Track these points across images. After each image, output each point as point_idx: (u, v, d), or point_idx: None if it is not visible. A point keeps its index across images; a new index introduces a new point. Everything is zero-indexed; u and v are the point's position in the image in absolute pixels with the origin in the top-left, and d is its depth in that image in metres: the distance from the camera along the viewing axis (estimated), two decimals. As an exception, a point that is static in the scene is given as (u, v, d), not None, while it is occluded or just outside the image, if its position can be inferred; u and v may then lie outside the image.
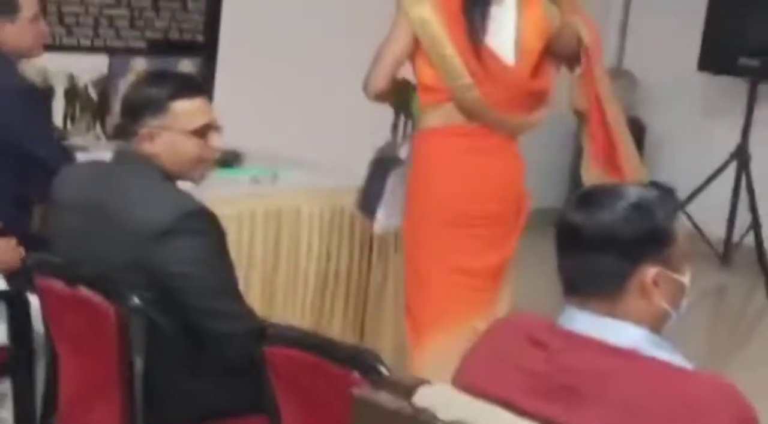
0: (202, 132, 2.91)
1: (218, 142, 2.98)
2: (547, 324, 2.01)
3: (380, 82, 3.77)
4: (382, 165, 3.99)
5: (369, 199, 3.99)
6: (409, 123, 4.00)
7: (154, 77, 3.04)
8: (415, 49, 3.75)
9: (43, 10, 4.18)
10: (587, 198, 1.97)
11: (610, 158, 3.87)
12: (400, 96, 3.89)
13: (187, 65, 5.61)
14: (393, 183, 3.94)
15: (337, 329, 4.19)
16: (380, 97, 3.85)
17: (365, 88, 3.81)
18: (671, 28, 7.18)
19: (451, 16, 3.71)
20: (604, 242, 1.92)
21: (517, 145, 3.89)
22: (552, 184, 7.32)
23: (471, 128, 3.76)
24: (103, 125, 5.18)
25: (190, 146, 2.90)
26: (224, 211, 2.91)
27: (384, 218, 3.96)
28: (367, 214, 4.03)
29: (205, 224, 2.80)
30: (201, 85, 3.01)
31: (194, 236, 2.76)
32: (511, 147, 3.86)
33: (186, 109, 2.87)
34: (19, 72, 3.83)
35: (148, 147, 2.86)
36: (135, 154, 2.88)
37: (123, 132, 2.92)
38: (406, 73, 3.89)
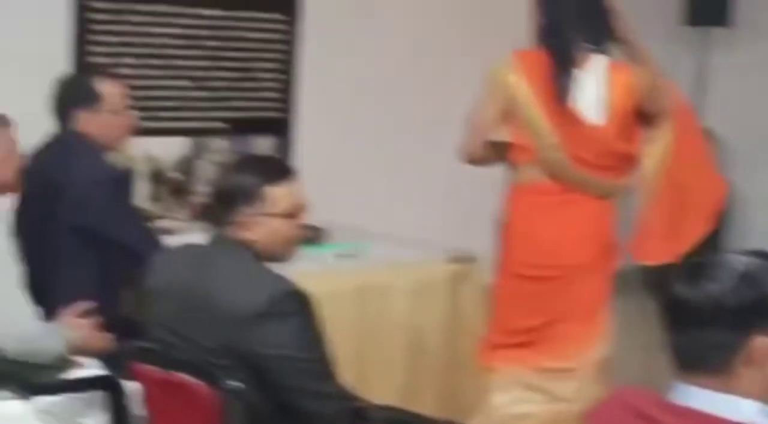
0: (295, 213, 2.95)
1: (307, 220, 3.02)
2: (655, 400, 1.98)
3: (476, 149, 3.97)
4: None
5: None
6: None
7: (245, 164, 3.06)
8: (507, 111, 3.90)
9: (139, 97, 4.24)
10: (694, 271, 1.95)
11: (672, 224, 3.96)
12: (499, 155, 4.00)
13: (265, 142, 5.71)
14: None
15: (429, 404, 4.16)
16: (476, 163, 4.04)
17: (461, 154, 4.01)
18: (754, 85, 7.13)
19: (538, 80, 3.88)
20: (713, 315, 1.89)
21: (608, 204, 3.98)
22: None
23: (554, 187, 3.90)
24: (186, 206, 5.26)
25: (285, 228, 2.93)
26: (310, 288, 2.91)
27: None
28: None
29: (298, 305, 2.81)
30: (289, 167, 3.04)
31: (289, 318, 2.78)
32: (595, 202, 3.94)
33: (280, 194, 2.91)
34: (104, 159, 3.89)
35: (245, 234, 2.89)
36: (229, 239, 2.91)
37: (216, 219, 2.94)
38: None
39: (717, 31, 7.23)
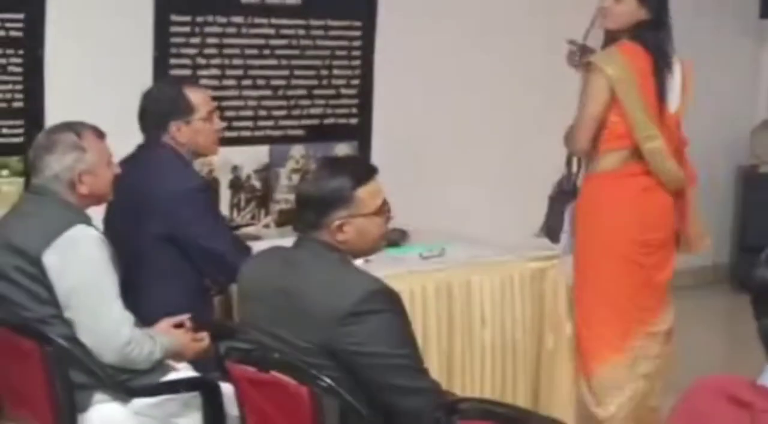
0: (382, 210, 3.01)
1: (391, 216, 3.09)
2: (747, 383, 2.00)
3: (585, 142, 4.23)
4: (559, 199, 4.47)
5: (551, 232, 4.47)
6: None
7: (332, 168, 3.08)
8: (608, 102, 4.18)
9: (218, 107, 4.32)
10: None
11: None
12: None
13: (343, 149, 5.77)
14: (570, 215, 4.41)
15: (519, 400, 4.21)
16: (584, 154, 4.33)
17: (572, 147, 4.32)
18: None
19: (641, 75, 4.17)
20: None
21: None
22: (716, 241, 7.23)
23: (645, 169, 4.24)
24: (269, 213, 5.35)
25: (375, 227, 2.99)
26: (396, 288, 2.97)
27: (567, 246, 4.42)
28: (552, 241, 4.49)
29: (387, 303, 2.86)
30: (373, 166, 3.09)
31: (378, 315, 2.83)
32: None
33: (369, 193, 2.97)
34: (192, 170, 3.96)
35: (339, 236, 2.96)
36: (317, 241, 2.97)
37: (307, 224, 3.00)
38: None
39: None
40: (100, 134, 3.45)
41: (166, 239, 3.74)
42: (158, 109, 3.89)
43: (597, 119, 4.18)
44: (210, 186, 4.13)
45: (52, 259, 3.26)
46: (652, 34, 4.17)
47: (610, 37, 4.27)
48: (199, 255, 3.78)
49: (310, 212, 2.98)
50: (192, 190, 3.80)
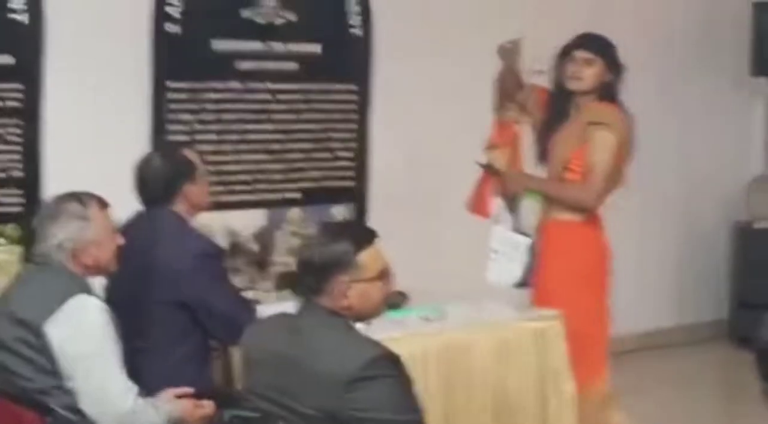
0: (384, 274, 3.02)
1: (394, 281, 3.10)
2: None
3: (607, 197, 4.61)
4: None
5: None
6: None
7: (333, 233, 3.10)
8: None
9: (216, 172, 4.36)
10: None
11: None
12: None
13: (340, 211, 5.79)
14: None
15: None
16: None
17: (593, 201, 4.57)
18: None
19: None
20: None
21: None
22: (713, 297, 7.28)
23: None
24: (268, 277, 5.35)
25: (376, 291, 3.01)
26: (397, 351, 2.97)
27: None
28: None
29: (393, 368, 2.87)
30: (373, 230, 3.11)
31: (384, 381, 2.84)
32: None
33: (370, 258, 2.98)
34: (198, 233, 3.97)
35: (342, 301, 2.96)
36: (320, 306, 2.97)
37: (308, 288, 3.00)
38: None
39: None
40: (104, 205, 3.46)
41: (176, 305, 3.74)
42: (167, 175, 3.88)
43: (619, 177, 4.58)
44: (221, 250, 4.12)
45: (54, 329, 3.26)
46: (615, 94, 4.57)
47: (573, 97, 4.59)
48: (211, 320, 3.77)
49: (311, 278, 2.99)
50: (204, 255, 3.80)
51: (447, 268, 5.71)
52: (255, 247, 5.48)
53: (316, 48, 5.62)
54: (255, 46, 5.47)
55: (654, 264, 7.02)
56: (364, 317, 3.08)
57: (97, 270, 3.48)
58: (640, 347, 6.65)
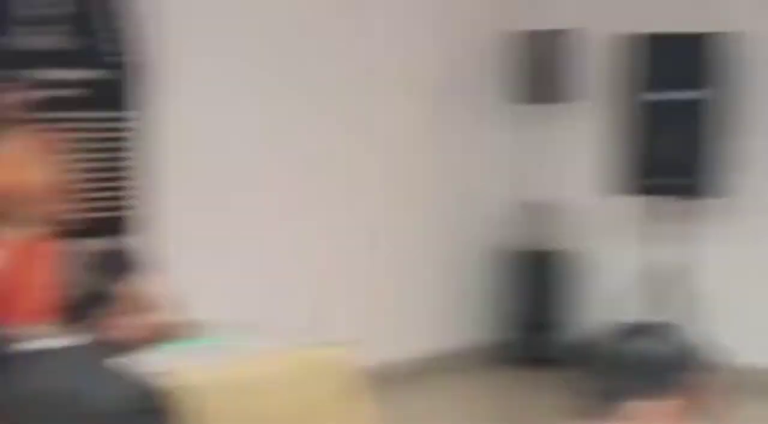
0: (151, 306, 3.06)
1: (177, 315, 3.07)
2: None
3: None
4: None
5: None
6: None
7: (95, 267, 3.10)
8: None
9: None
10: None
11: None
12: None
13: (118, 242, 5.66)
14: None
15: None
16: None
17: None
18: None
19: None
20: None
21: None
22: (477, 320, 7.40)
23: None
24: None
25: (143, 323, 3.04)
26: (186, 383, 2.95)
27: None
28: None
29: (159, 402, 2.83)
30: (138, 261, 3.07)
31: (149, 415, 2.80)
32: None
33: (133, 290, 2.99)
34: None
35: (106, 333, 2.93)
36: (89, 339, 2.96)
37: (74, 321, 2.96)
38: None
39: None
40: None
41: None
42: None
43: None
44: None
45: None
46: None
47: None
48: None
49: (75, 310, 3.04)
50: None
51: (238, 298, 5.70)
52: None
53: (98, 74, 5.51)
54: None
55: (414, 289, 7.09)
56: (134, 348, 3.03)
57: None
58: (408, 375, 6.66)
